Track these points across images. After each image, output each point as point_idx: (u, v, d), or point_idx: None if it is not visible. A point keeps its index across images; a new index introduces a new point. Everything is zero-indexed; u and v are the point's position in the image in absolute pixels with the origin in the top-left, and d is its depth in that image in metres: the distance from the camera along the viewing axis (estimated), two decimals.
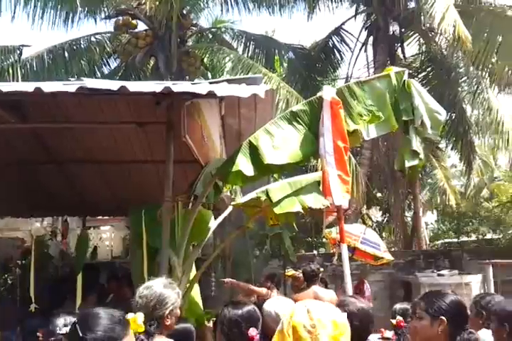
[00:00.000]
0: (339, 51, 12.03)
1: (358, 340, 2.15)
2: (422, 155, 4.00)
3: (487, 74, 9.66)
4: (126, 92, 2.75)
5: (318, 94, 3.68)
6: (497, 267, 9.54)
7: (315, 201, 3.54)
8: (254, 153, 3.51)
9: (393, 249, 13.69)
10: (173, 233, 3.62)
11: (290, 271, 6.44)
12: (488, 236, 14.32)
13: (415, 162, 3.91)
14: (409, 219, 15.42)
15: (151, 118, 3.75)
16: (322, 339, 1.53)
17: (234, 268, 7.63)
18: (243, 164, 3.42)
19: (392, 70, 3.94)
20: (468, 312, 2.23)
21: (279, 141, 3.55)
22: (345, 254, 3.56)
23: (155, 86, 2.81)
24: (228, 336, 2.23)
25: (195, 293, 4.26)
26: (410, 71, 10.73)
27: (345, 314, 1.70)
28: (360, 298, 2.44)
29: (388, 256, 6.98)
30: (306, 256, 10.12)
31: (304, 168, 9.06)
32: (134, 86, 2.79)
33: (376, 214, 16.24)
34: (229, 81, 3.78)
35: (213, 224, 4.10)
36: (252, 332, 2.20)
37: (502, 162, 17.81)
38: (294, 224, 5.69)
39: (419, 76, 10.88)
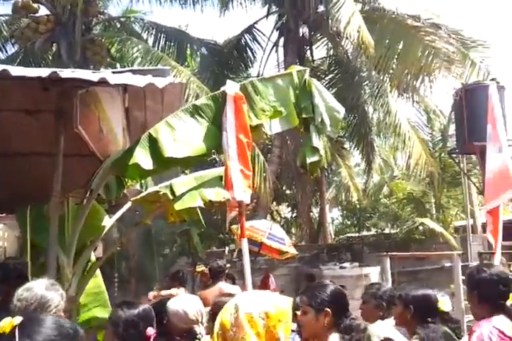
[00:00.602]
0: (251, 50, 12.16)
1: None
2: (321, 152, 4.14)
3: (388, 78, 10.25)
4: (9, 77, 2.52)
5: (222, 89, 3.66)
6: (394, 259, 10.24)
7: (216, 195, 3.51)
8: (154, 145, 3.40)
9: (300, 244, 14.18)
10: (63, 230, 3.40)
11: (200, 267, 6.42)
12: (387, 230, 15.33)
13: (315, 158, 4.03)
14: (317, 215, 16.07)
15: (41, 106, 3.48)
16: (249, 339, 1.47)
17: (138, 267, 7.42)
18: (141, 157, 3.29)
19: (295, 69, 4.03)
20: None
21: (181, 134, 3.47)
22: (246, 249, 3.57)
23: (41, 71, 2.60)
24: (123, 337, 2.15)
25: (101, 291, 4.09)
26: (318, 73, 11.15)
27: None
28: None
29: (293, 251, 7.21)
30: (216, 253, 10.13)
31: (214, 163, 9.04)
32: (17, 70, 2.57)
33: (285, 210, 16.70)
34: (134, 71, 3.63)
35: (108, 221, 3.90)
36: (150, 331, 2.15)
37: (401, 162, 19.14)
38: (203, 221, 5.64)
39: (326, 78, 11.31)
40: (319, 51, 12.37)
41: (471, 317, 4.20)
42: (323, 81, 11.20)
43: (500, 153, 4.61)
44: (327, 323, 2.08)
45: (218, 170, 3.90)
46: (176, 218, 3.80)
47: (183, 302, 2.77)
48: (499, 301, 2.41)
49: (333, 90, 11.06)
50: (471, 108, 8.96)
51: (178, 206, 3.51)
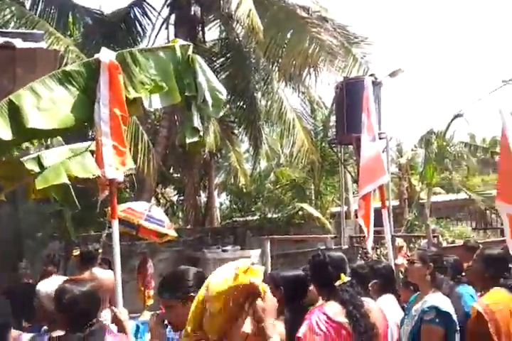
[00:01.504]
0: (141, 24, 11.60)
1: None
2: (201, 133, 4.07)
3: (276, 67, 10.44)
4: None
5: (96, 56, 3.39)
6: (274, 242, 10.66)
7: (84, 171, 3.26)
8: (15, 114, 3.05)
9: (185, 227, 14.10)
10: None
11: (76, 251, 6.05)
12: (270, 215, 15.85)
13: (195, 139, 3.94)
14: (205, 199, 16.07)
15: None
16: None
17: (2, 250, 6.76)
18: None
19: (178, 42, 3.88)
20: None
21: (47, 103, 3.16)
22: (116, 231, 3.37)
23: None
24: None
25: None
26: (210, 55, 11.00)
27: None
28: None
29: (172, 233, 7.08)
30: (93, 237, 9.63)
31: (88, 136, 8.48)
32: None
33: (171, 193, 16.45)
34: (2, 33, 3.23)
35: None
36: None
37: (286, 149, 19.83)
38: (77, 202, 5.27)
39: (218, 61, 11.20)
40: (212, 33, 12.24)
41: None
42: (215, 64, 11.09)
43: (374, 142, 4.91)
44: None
45: (89, 144, 3.61)
46: (38, 195, 3.46)
47: (54, 284, 2.57)
48: (331, 284, 2.42)
49: (224, 74, 11.02)
50: (350, 101, 9.54)
51: (41, 184, 3.19)
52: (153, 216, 6.60)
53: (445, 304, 2.88)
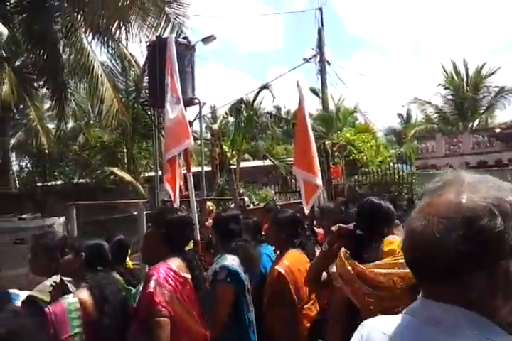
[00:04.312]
0: None
1: None
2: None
3: (82, 16, 9.37)
4: None
5: None
6: (80, 209, 9.91)
7: None
8: None
9: None
10: None
11: None
12: (76, 179, 14.75)
13: None
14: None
15: None
16: None
17: None
18: None
19: None
20: None
21: None
22: None
23: None
24: None
25: None
26: None
27: None
28: None
29: None
30: None
31: None
32: None
33: None
34: None
35: None
36: None
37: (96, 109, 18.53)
38: None
39: (12, 1, 9.57)
40: None
41: None
42: (8, 4, 9.47)
43: (178, 105, 4.75)
44: None
45: None
46: None
47: None
48: (180, 243, 2.54)
49: (21, 16, 9.50)
50: (163, 61, 9.18)
51: None
52: None
53: (235, 263, 2.98)
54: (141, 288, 2.72)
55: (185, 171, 4.77)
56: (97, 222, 10.66)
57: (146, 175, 14.93)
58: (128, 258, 4.01)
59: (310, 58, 17.18)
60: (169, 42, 4.71)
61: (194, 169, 4.80)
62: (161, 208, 3.87)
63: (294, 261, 3.34)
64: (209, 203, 8.30)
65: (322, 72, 17.20)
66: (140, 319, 2.36)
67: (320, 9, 17.47)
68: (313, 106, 23.52)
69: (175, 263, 2.43)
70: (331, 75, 17.35)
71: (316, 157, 5.13)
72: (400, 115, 33.72)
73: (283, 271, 3.28)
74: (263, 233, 4.39)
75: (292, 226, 3.55)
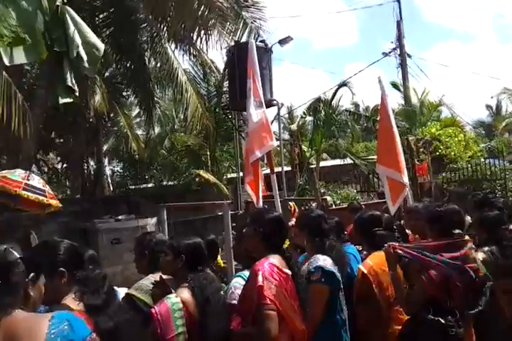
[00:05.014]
0: None
1: None
2: (77, 93, 3.69)
3: (165, 27, 9.84)
4: None
5: None
6: (171, 210, 10.40)
7: None
8: None
9: (73, 197, 13.28)
10: None
11: None
12: (165, 182, 15.54)
13: (69, 99, 3.57)
14: (94, 166, 15.21)
15: None
16: None
17: None
18: None
19: None
20: None
21: None
22: None
23: None
24: None
25: None
26: (91, 9, 10.00)
27: None
28: None
29: (56, 203, 6.55)
30: None
31: None
32: None
33: (55, 160, 15.32)
34: None
35: None
36: None
37: (181, 114, 19.39)
38: None
39: (101, 16, 10.27)
40: None
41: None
42: (97, 19, 10.16)
43: (261, 108, 4.87)
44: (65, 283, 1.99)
45: None
46: None
47: None
48: (278, 241, 2.63)
49: (108, 30, 10.16)
50: (241, 66, 9.39)
51: None
52: (33, 185, 5.99)
53: (329, 264, 2.99)
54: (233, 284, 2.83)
55: (268, 171, 4.88)
56: (185, 223, 11.14)
57: (229, 176, 15.34)
58: (219, 257, 4.17)
59: (390, 52, 16.67)
60: (250, 47, 4.83)
61: (277, 170, 4.89)
62: (260, 208, 3.94)
63: (379, 262, 3.25)
64: (291, 203, 8.38)
65: (403, 65, 16.61)
66: (244, 313, 2.44)
67: (398, 1, 16.86)
68: (394, 101, 22.79)
69: (276, 259, 2.51)
70: (412, 68, 16.75)
71: (402, 154, 5.00)
72: (488, 107, 31.63)
73: (366, 271, 3.24)
74: (346, 233, 4.36)
75: (375, 226, 3.50)
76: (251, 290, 2.42)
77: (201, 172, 12.91)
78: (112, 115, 14.46)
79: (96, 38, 3.74)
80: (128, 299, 2.74)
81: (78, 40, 3.53)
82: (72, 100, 3.57)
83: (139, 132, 18.93)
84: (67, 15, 3.49)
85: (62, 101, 3.49)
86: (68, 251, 2.09)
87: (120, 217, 10.47)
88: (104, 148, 18.22)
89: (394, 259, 2.77)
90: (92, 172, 14.88)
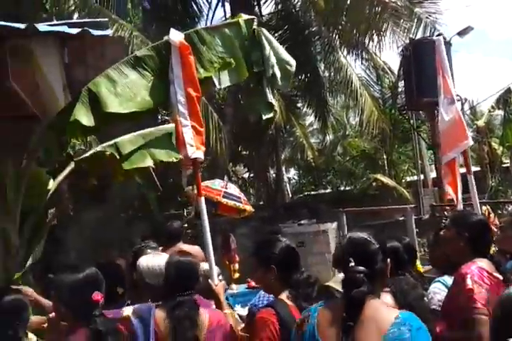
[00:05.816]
0: (197, 4, 11.63)
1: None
2: (276, 108, 4.01)
3: (337, 35, 10.04)
4: None
5: (165, 38, 3.41)
6: (349, 214, 10.50)
7: (167, 154, 3.35)
8: (94, 100, 3.16)
9: (258, 204, 14.29)
10: (4, 197, 3.18)
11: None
12: (342, 187, 15.68)
13: (271, 114, 3.89)
14: (274, 175, 16.18)
15: None
16: None
17: (93, 232, 7.19)
18: (81, 113, 3.05)
19: (242, 17, 3.82)
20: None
21: (122, 88, 3.24)
22: (203, 208, 3.44)
23: None
24: (67, 303, 2.02)
25: None
26: (267, 29, 10.79)
27: None
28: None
29: (250, 208, 7.19)
30: (174, 215, 10.01)
31: (159, 119, 8.71)
32: None
33: (242, 171, 16.70)
34: (70, 24, 3.33)
35: (52, 184, 3.67)
36: (97, 295, 2.04)
37: (353, 120, 19.39)
38: (158, 183, 5.44)
39: (276, 35, 10.98)
40: (267, 7, 11.99)
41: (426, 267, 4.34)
42: (274, 37, 10.91)
43: (453, 105, 4.63)
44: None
45: (167, 127, 3.69)
46: (122, 177, 3.62)
47: (152, 259, 2.76)
48: (484, 246, 2.53)
49: (284, 47, 10.81)
50: (418, 63, 9.00)
51: (127, 165, 3.33)
52: (230, 193, 6.72)
53: None
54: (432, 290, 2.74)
55: (464, 171, 4.59)
56: (365, 227, 11.02)
57: (408, 179, 14.74)
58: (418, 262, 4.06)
59: None
60: (437, 43, 4.64)
61: (461, 170, 4.57)
62: (462, 210, 3.74)
63: None
64: (484, 207, 7.67)
65: None
66: (448, 318, 2.37)
67: None
68: None
69: (485, 263, 2.40)
70: None
71: None
72: None
73: None
74: None
75: None
76: (457, 294, 2.34)
77: (379, 176, 12.70)
78: (287, 126, 15.21)
79: (287, 54, 4.03)
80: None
81: (273, 59, 3.84)
82: (272, 115, 3.90)
83: (312, 140, 19.50)
84: (262, 37, 3.83)
85: (266, 116, 3.81)
86: (283, 251, 2.33)
87: (302, 222, 10.91)
88: (282, 157, 19.20)
89: None
90: (273, 181, 15.80)
